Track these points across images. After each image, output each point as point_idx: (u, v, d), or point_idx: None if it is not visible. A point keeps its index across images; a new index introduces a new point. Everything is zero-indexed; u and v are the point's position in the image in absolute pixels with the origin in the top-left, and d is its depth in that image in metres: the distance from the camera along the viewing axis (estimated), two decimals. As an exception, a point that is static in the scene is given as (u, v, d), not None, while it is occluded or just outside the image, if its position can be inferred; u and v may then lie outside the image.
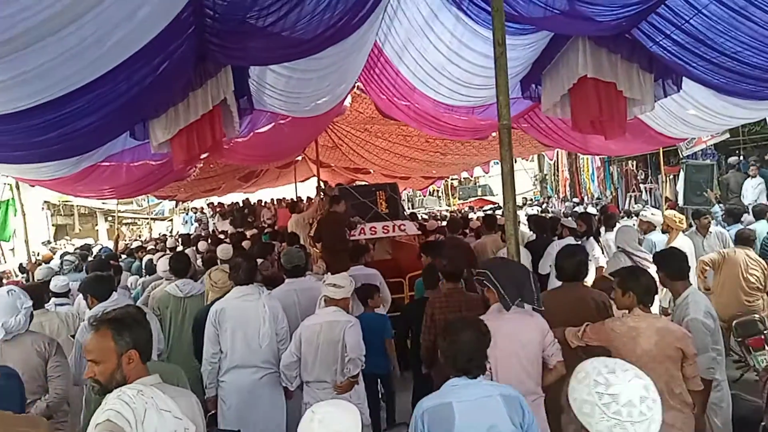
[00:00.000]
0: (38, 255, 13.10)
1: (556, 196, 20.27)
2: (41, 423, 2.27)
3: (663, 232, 6.97)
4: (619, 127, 4.72)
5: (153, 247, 11.62)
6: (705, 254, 6.36)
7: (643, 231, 6.91)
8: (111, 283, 4.56)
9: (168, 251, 9.01)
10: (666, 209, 8.83)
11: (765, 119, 10.49)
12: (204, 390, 4.09)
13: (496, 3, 3.27)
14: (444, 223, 10.36)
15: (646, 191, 15.43)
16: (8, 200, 11.17)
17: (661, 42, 4.15)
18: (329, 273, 4.86)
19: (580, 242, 6.35)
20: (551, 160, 19.66)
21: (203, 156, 5.68)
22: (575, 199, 17.88)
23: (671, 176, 13.78)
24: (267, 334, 4.04)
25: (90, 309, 4.30)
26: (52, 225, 23.74)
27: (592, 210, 10.82)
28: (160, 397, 2.03)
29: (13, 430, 2.08)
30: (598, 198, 17.61)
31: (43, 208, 20.97)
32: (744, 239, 5.89)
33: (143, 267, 8.29)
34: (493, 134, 8.31)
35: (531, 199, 21.24)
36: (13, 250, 15.24)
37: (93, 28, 2.59)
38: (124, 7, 2.63)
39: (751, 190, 10.60)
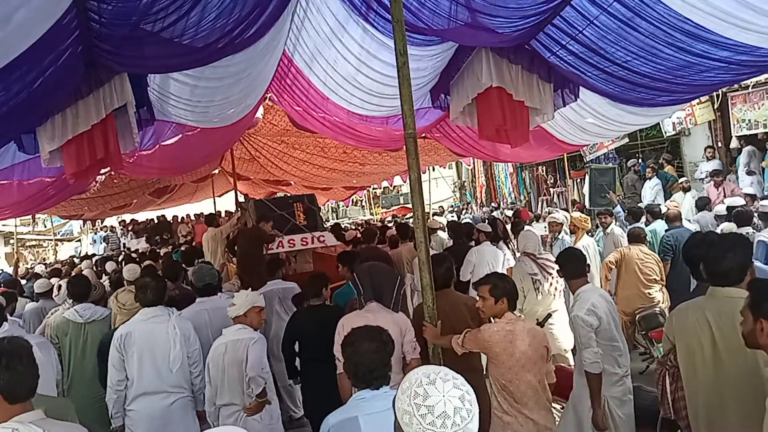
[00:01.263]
0: None
1: (474, 201, 20.89)
2: None
3: (570, 232, 7.37)
4: (522, 136, 4.90)
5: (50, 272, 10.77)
6: (606, 252, 6.79)
7: (552, 232, 7.28)
8: (1, 313, 4.22)
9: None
10: (574, 211, 9.33)
11: (659, 124, 11.34)
12: (110, 420, 3.87)
13: (397, 14, 3.31)
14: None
15: (556, 195, 16.21)
16: None
17: (558, 52, 4.35)
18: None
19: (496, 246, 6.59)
20: (469, 166, 20.26)
21: (104, 171, 5.36)
22: (493, 204, 18.49)
23: (578, 180, 14.57)
24: (178, 357, 3.88)
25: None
26: (-59, 249, 21.63)
27: (508, 213, 11.23)
28: None
29: None
30: (512, 203, 18.31)
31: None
32: (635, 237, 6.32)
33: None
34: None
35: (451, 206, 21.75)
36: None
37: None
38: (-4, 9, 2.41)
39: (649, 191, 11.39)
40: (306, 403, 4.53)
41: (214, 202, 16.33)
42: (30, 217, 17.78)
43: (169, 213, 18.91)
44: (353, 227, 14.32)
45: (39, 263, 18.45)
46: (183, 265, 6.99)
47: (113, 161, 4.10)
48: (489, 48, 4.58)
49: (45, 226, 25.61)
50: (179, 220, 17.86)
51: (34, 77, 3.15)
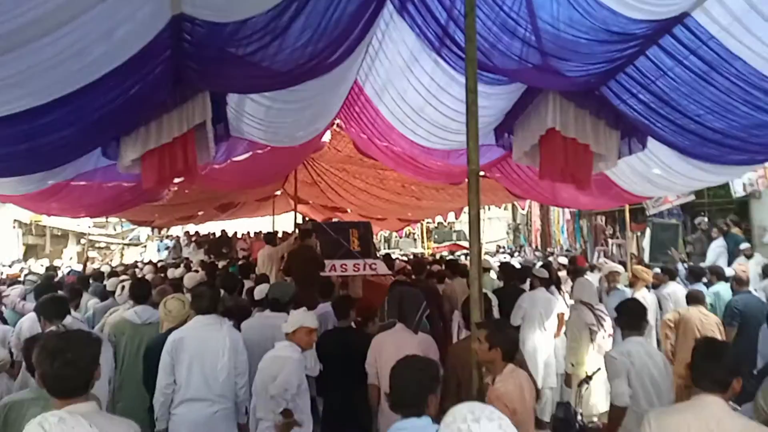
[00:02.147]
0: (1, 274, 12.74)
1: (528, 245, 20.51)
2: None
3: (629, 285, 7.13)
4: (584, 180, 4.84)
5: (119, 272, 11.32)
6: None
7: (610, 282, 7.06)
8: (64, 306, 4.45)
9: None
10: (633, 265, 9.01)
11: (728, 183, 10.85)
12: (154, 422, 3.94)
13: (470, 53, 3.38)
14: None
15: (614, 246, 15.70)
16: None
17: (627, 101, 4.31)
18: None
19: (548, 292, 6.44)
20: (524, 210, 20.00)
21: (177, 180, 5.65)
22: (548, 250, 18.10)
23: (638, 233, 14.07)
24: (225, 367, 3.92)
25: (42, 330, 4.19)
26: (23, 245, 23.14)
27: (562, 260, 10.97)
28: (83, 428, 1.96)
29: None
30: (567, 250, 17.86)
31: (13, 227, 20.48)
32: (694, 298, 6.03)
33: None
34: (467, 181, 8.44)
35: (504, 247, 21.44)
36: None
37: (70, 42, 2.60)
38: (102, 24, 2.65)
39: (712, 252, 10.85)
40: (324, 422, 4.49)
41: (273, 222, 16.80)
42: (104, 219, 18.83)
43: (229, 227, 19.54)
44: (404, 259, 14.36)
45: (105, 264, 19.42)
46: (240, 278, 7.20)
47: (189, 173, 4.34)
48: (557, 91, 4.59)
49: (115, 230, 26.97)
50: (238, 236, 18.42)
51: (127, 88, 3.42)
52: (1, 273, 13.77)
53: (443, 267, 7.98)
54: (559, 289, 6.80)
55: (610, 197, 7.29)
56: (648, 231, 12.67)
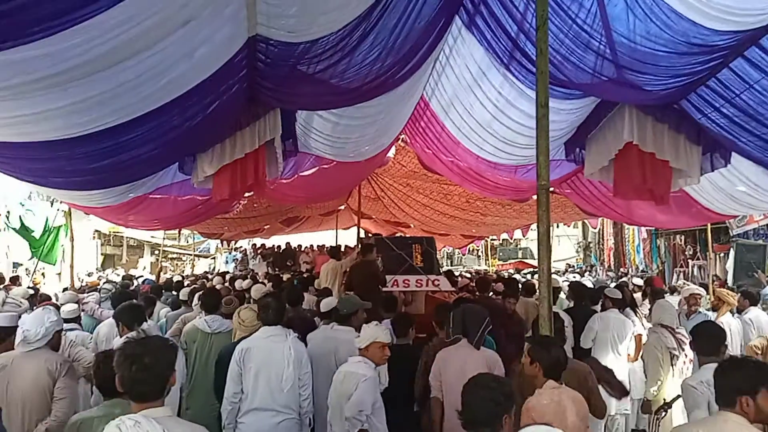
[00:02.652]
0: (83, 282, 13.56)
1: (599, 264, 19.72)
2: None
3: (712, 309, 6.72)
4: (662, 198, 4.60)
5: (189, 283, 11.80)
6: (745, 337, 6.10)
7: (691, 305, 6.67)
8: (142, 314, 4.66)
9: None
10: (715, 287, 8.49)
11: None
12: (222, 429, 4.03)
13: (542, 66, 3.30)
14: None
15: (695, 268, 14.85)
16: (60, 226, 11.69)
17: (710, 114, 4.07)
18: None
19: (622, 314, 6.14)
20: (595, 229, 19.27)
21: (247, 194, 5.84)
22: (622, 270, 17.34)
23: (721, 254, 13.26)
24: (290, 378, 3.95)
25: (120, 336, 4.40)
26: (101, 254, 24.57)
27: (638, 281, 10.46)
28: (157, 431, 2.00)
29: None
30: (643, 270, 17.05)
31: (93, 237, 21.79)
32: None
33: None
34: (534, 197, 8.25)
35: (573, 266, 20.72)
36: (59, 274, 15.81)
37: (153, 63, 2.75)
38: (184, 46, 2.79)
39: (801, 276, 10.08)
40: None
41: (336, 236, 17.06)
42: (176, 231, 19.75)
43: (293, 241, 20.00)
44: (467, 276, 14.15)
45: (177, 274, 20.31)
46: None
47: (258, 187, 4.47)
48: (633, 105, 4.41)
49: (186, 242, 28.22)
50: (301, 249, 18.83)
51: (205, 107, 3.57)
52: (82, 281, 14.64)
53: (504, 286, 7.74)
54: (635, 311, 6.47)
55: (691, 216, 6.91)
56: (732, 252, 11.91)
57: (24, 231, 11.36)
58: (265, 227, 15.61)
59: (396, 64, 3.76)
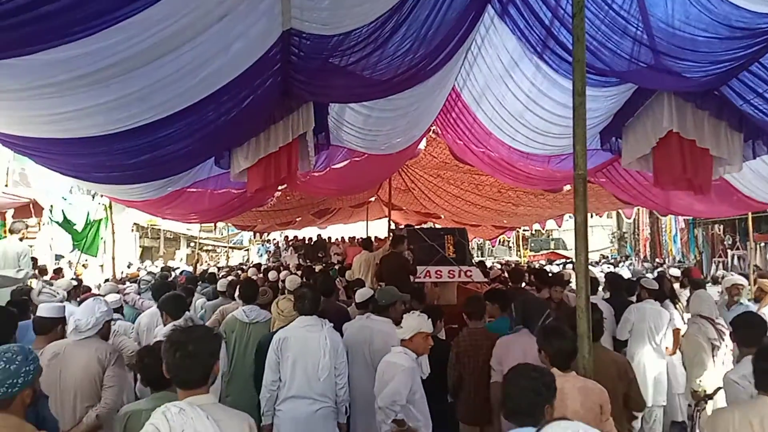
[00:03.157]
0: (123, 273, 13.97)
1: (635, 255, 19.32)
2: None
3: (754, 300, 6.55)
4: (703, 187, 4.49)
5: (225, 274, 12.05)
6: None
7: (732, 296, 6.50)
8: (185, 304, 4.80)
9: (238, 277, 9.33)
10: (756, 278, 8.25)
11: None
12: (261, 416, 4.11)
13: (578, 53, 3.24)
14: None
15: (734, 258, 14.43)
16: (100, 220, 12.03)
17: (752, 101, 3.95)
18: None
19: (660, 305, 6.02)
20: (629, 219, 18.86)
21: (280, 187, 5.92)
22: (657, 260, 16.95)
23: (762, 244, 12.83)
24: (326, 367, 4.02)
25: (164, 325, 4.55)
26: (139, 246, 25.21)
27: (674, 272, 10.23)
28: (201, 419, 2.07)
29: None
30: (680, 261, 16.64)
31: (132, 230, 22.36)
32: None
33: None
34: (567, 187, 8.13)
35: (607, 257, 20.35)
36: (101, 266, 16.31)
37: (190, 58, 2.81)
38: (220, 41, 2.84)
39: None
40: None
41: (367, 227, 17.14)
42: (212, 224, 20.17)
43: (323, 233, 20.21)
44: (498, 267, 14.07)
45: (213, 266, 20.75)
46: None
47: (291, 180, 4.53)
48: (672, 92, 4.30)
49: (221, 234, 28.75)
50: (332, 241, 18.99)
51: (240, 101, 3.63)
52: (122, 272, 15.06)
53: (532, 277, 7.67)
54: (675, 302, 6.32)
55: (731, 204, 6.71)
56: (773, 241, 11.52)
57: (66, 224, 11.68)
58: (297, 219, 15.79)
59: (428, 55, 3.75)
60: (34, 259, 8.48)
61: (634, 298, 6.35)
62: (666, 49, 3.48)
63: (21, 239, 7.63)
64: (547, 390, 2.34)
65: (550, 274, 8.15)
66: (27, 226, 8.00)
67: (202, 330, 2.40)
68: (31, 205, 11.20)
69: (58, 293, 6.09)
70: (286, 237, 21.52)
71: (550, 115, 4.85)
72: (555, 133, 5.15)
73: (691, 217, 15.52)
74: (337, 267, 11.57)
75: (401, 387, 3.63)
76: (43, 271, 10.78)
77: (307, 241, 19.36)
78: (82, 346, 3.63)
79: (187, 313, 4.70)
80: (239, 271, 12.71)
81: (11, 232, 7.72)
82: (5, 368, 2.16)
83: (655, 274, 9.85)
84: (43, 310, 3.84)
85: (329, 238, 19.65)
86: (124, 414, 2.78)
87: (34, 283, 6.98)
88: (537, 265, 17.05)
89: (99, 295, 6.26)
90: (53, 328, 3.82)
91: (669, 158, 4.38)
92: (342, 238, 19.72)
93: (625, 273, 9.87)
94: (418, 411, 3.75)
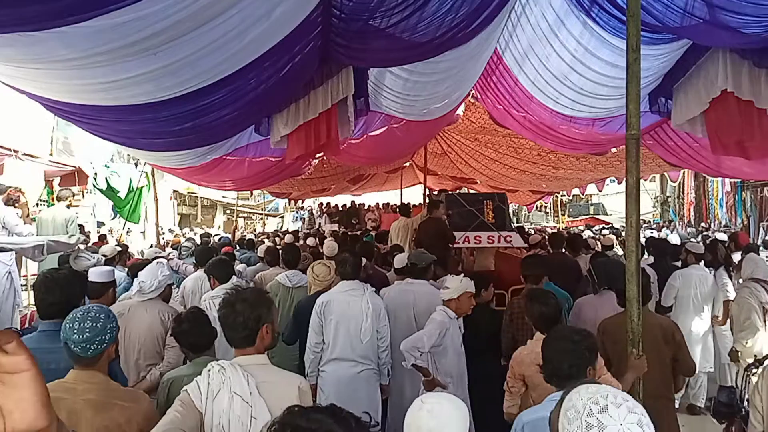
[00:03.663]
0: (164, 240, 14.37)
1: (678, 219, 18.79)
2: (142, 399, 2.34)
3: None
4: (762, 149, 4.29)
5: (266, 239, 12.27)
6: None
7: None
8: (231, 268, 4.93)
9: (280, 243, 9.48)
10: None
11: None
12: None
13: (633, 7, 3.09)
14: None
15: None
16: (142, 187, 12.33)
17: (817, 56, 3.72)
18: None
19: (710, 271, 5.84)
20: (674, 182, 18.27)
21: (318, 155, 5.92)
22: (703, 225, 16.46)
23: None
24: (368, 330, 4.09)
25: (212, 289, 4.69)
26: (178, 214, 25.84)
27: (721, 236, 9.88)
28: (238, 378, 2.09)
29: (112, 401, 2.17)
30: (726, 225, 16.11)
31: (170, 198, 22.89)
32: None
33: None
34: (613, 150, 7.89)
35: (649, 221, 19.86)
36: (143, 233, 16.81)
37: (236, 22, 2.80)
38: (261, 6, 2.82)
39: None
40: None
41: (401, 194, 17.09)
42: (248, 191, 20.47)
43: (356, 200, 20.25)
44: (537, 233, 13.91)
45: (250, 233, 21.11)
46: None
47: (331, 147, 4.52)
48: (727, 49, 4.08)
49: (256, 201, 29.15)
50: (366, 207, 19.04)
51: (281, 67, 3.61)
52: (163, 239, 15.50)
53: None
54: (729, 270, 5.98)
55: (787, 167, 6.42)
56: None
57: (110, 192, 12.00)
58: (332, 186, 15.85)
59: (469, 15, 3.63)
60: (80, 226, 8.77)
61: (679, 264, 6.19)
62: (722, 3, 3.29)
63: (68, 206, 7.90)
64: (589, 353, 2.32)
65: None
66: (73, 194, 8.26)
67: (250, 292, 2.41)
68: (75, 173, 11.55)
69: (93, 256, 6.27)
70: (320, 204, 21.68)
71: (597, 75, 4.67)
72: (602, 95, 4.98)
73: (738, 180, 14.94)
74: (372, 233, 11.61)
75: (425, 335, 3.74)
76: (86, 238, 11.16)
77: (341, 208, 19.47)
78: (146, 307, 3.80)
79: (234, 278, 4.81)
80: (276, 238, 12.90)
81: (59, 199, 7.99)
82: (93, 326, 2.22)
83: (700, 239, 9.56)
84: (94, 274, 3.93)
85: (361, 204, 19.69)
86: (167, 380, 2.81)
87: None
88: (574, 231, 16.77)
89: (140, 260, 6.44)
90: (104, 292, 3.93)
91: (724, 120, 4.18)
92: (377, 204, 19.74)
93: (674, 238, 9.56)
94: (449, 367, 3.86)
